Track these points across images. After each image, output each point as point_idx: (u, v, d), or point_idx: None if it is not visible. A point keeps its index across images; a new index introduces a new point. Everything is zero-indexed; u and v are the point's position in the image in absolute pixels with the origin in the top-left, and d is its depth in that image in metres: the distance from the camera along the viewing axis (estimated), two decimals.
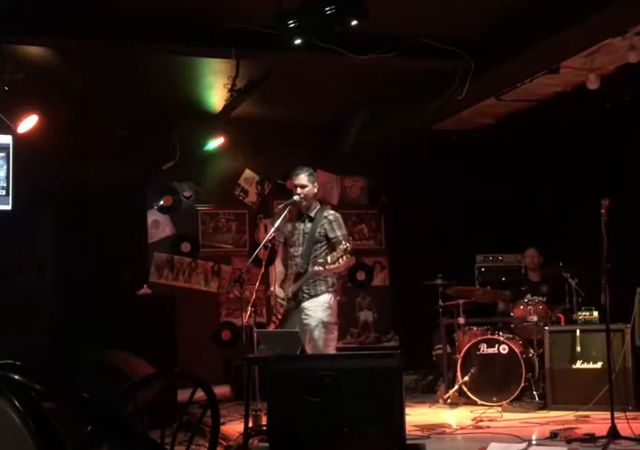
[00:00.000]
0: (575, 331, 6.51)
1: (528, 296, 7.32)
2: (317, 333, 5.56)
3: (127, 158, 8.11)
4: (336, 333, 5.74)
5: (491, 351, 6.91)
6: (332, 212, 5.89)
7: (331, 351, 5.63)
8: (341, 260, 5.37)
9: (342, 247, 5.39)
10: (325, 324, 5.59)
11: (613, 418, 4.86)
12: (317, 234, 5.72)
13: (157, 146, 8.45)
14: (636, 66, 6.33)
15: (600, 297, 5.14)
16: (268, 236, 5.89)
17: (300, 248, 5.76)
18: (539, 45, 6.08)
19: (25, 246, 7.60)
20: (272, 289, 5.98)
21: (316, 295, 5.65)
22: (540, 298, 7.26)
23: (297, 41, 5.35)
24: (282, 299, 5.75)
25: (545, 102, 7.91)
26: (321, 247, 5.72)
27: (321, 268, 5.47)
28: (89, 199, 8.10)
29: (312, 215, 5.81)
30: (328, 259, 5.43)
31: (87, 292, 7.55)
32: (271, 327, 5.92)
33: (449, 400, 6.93)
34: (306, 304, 5.65)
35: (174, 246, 8.90)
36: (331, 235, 5.70)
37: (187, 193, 9.00)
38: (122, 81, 7.13)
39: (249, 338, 5.79)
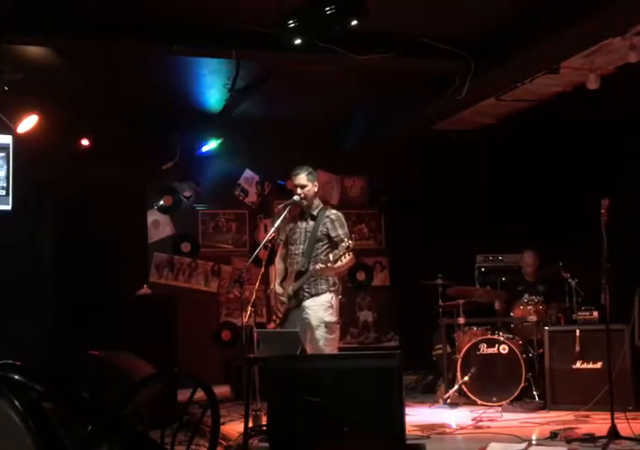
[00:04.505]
0: (575, 331, 6.51)
1: (526, 296, 7.32)
2: (319, 333, 5.55)
3: (127, 158, 8.11)
4: (338, 332, 5.73)
5: (491, 351, 6.92)
6: (334, 211, 5.88)
7: (333, 350, 5.61)
8: (343, 258, 5.35)
9: (344, 244, 5.37)
10: (326, 324, 5.59)
11: (613, 418, 4.87)
12: (319, 233, 5.72)
13: (157, 146, 8.45)
14: (636, 66, 6.33)
15: (600, 297, 5.15)
16: (268, 236, 5.89)
17: (301, 247, 5.76)
18: (539, 45, 6.08)
19: (25, 245, 7.60)
20: (272, 287, 5.98)
21: (317, 294, 5.64)
22: (538, 298, 7.26)
23: (297, 41, 5.36)
24: (282, 296, 5.75)
25: (545, 102, 7.91)
26: (322, 245, 5.71)
27: (323, 266, 5.45)
28: (89, 199, 8.09)
29: (315, 213, 5.81)
30: (330, 257, 5.43)
31: (87, 291, 7.55)
32: (271, 326, 5.92)
33: (448, 400, 6.93)
34: (307, 303, 5.64)
35: (174, 246, 8.90)
36: (333, 234, 5.70)
37: (187, 193, 9.00)
38: (122, 80, 7.13)
39: (249, 338, 5.79)
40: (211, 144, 8.35)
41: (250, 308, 5.65)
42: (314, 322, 5.58)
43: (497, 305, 7.70)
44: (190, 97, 7.85)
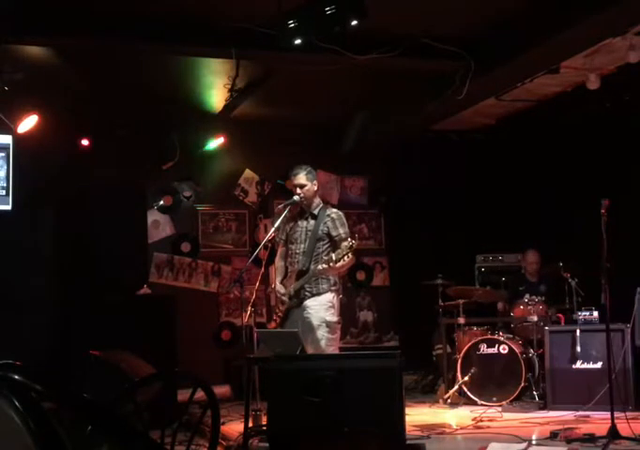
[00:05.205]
0: (575, 331, 6.51)
1: (527, 296, 7.33)
2: (320, 332, 5.54)
3: (127, 158, 8.11)
4: (339, 332, 5.72)
5: (491, 351, 6.92)
6: (335, 210, 5.88)
7: (334, 350, 5.61)
8: (346, 257, 5.34)
9: (346, 243, 5.34)
10: (327, 324, 5.57)
11: (613, 418, 4.87)
12: (320, 232, 5.70)
13: (157, 146, 8.44)
14: (636, 66, 6.34)
15: (600, 297, 5.15)
16: (268, 236, 5.88)
17: (302, 246, 5.75)
18: (539, 45, 6.08)
19: (25, 245, 7.60)
20: (273, 285, 5.98)
21: (319, 294, 5.63)
22: (540, 298, 7.27)
23: (297, 41, 5.35)
24: (284, 295, 5.74)
25: (545, 102, 7.91)
26: (323, 245, 5.71)
27: (325, 266, 5.43)
28: (89, 199, 8.09)
29: (315, 212, 5.80)
30: (333, 256, 5.40)
31: (87, 291, 7.55)
32: (272, 325, 5.91)
33: (449, 400, 6.94)
34: (308, 302, 5.63)
35: (174, 246, 8.90)
36: (334, 233, 5.69)
37: (187, 193, 9.00)
38: (122, 80, 7.13)
39: (249, 338, 5.79)
40: (214, 143, 8.36)
41: (250, 308, 5.65)
42: (316, 321, 5.56)
43: (500, 305, 7.71)
44: (190, 97, 7.84)
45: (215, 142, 8.32)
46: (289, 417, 4.52)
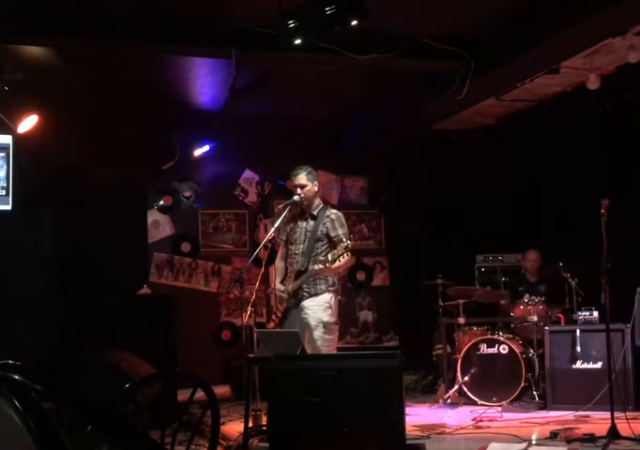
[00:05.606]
0: (575, 331, 6.51)
1: (527, 296, 7.33)
2: (317, 333, 5.55)
3: (127, 158, 8.11)
4: (337, 333, 5.72)
5: (491, 351, 6.92)
6: (335, 211, 5.89)
7: (331, 351, 5.61)
8: (341, 258, 5.35)
9: (342, 244, 5.37)
10: (325, 324, 5.58)
11: (613, 418, 4.86)
12: (319, 233, 5.72)
13: (157, 146, 8.44)
14: (636, 66, 6.33)
15: (600, 297, 5.15)
16: (268, 236, 5.89)
17: (301, 246, 5.76)
18: (539, 45, 6.08)
19: (25, 245, 7.60)
20: (273, 285, 5.98)
21: (316, 294, 5.64)
22: (540, 298, 7.26)
23: (297, 41, 5.36)
24: (282, 292, 5.74)
25: (545, 102, 7.91)
26: (322, 245, 5.71)
27: (321, 266, 5.45)
28: (89, 199, 8.09)
29: (315, 213, 5.81)
30: (329, 257, 5.42)
31: (87, 291, 7.55)
32: (271, 325, 5.92)
33: (449, 400, 6.94)
34: (306, 302, 5.64)
35: (174, 246, 8.90)
36: (332, 234, 5.70)
37: (187, 193, 9.00)
38: (122, 80, 7.12)
39: (249, 338, 5.79)
40: (204, 148, 8.39)
41: (250, 308, 5.66)
42: (313, 322, 5.57)
43: (503, 302, 7.67)
44: (189, 97, 7.84)
45: (213, 143, 8.34)
46: (289, 417, 4.52)
